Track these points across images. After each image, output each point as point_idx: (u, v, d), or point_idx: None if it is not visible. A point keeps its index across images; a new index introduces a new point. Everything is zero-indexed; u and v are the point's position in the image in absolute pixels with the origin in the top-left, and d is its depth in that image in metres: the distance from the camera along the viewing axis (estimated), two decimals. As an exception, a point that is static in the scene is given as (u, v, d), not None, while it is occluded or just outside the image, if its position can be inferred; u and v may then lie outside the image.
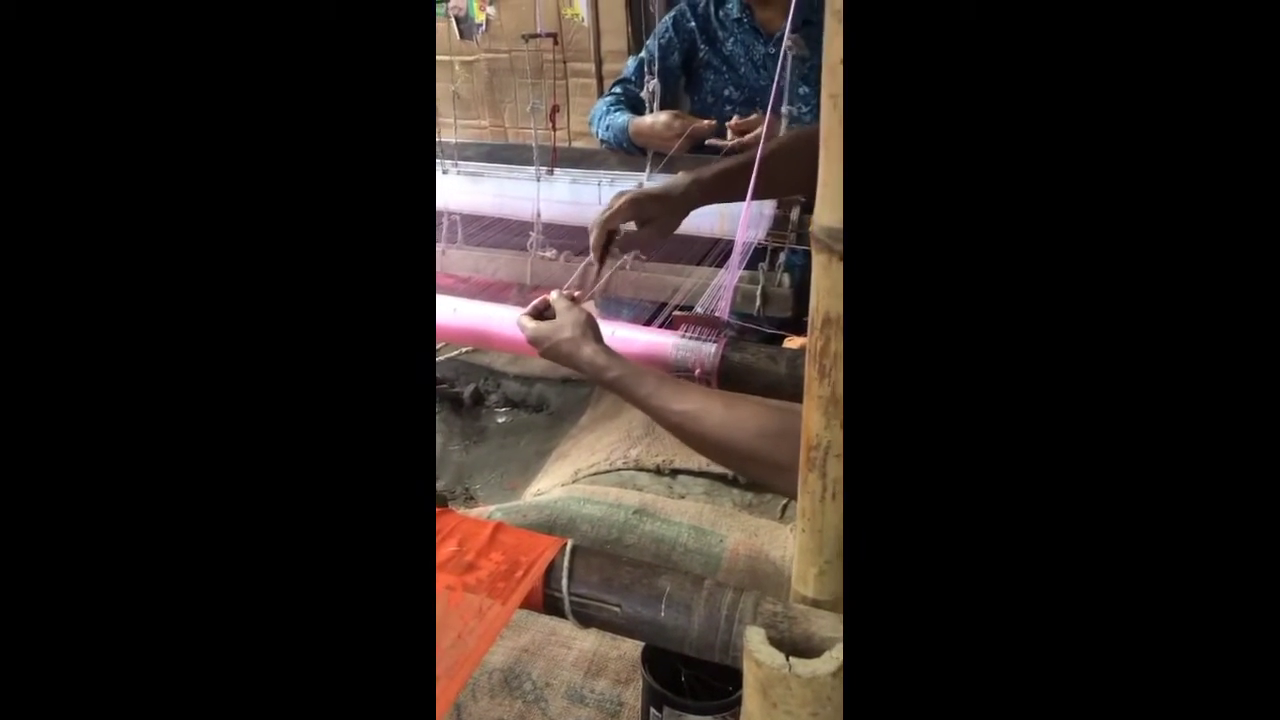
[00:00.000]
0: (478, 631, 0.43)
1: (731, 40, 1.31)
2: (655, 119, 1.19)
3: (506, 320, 0.86)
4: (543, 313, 0.73)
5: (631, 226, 0.78)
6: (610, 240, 0.77)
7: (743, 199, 0.78)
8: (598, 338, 0.69)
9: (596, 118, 1.34)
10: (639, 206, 0.75)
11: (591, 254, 0.77)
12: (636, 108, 1.29)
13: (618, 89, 1.36)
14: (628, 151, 1.29)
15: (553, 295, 0.74)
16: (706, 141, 1.18)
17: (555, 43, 1.48)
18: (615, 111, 1.32)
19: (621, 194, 0.76)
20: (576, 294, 0.76)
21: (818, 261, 0.35)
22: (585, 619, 0.48)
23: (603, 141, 1.34)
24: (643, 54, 1.33)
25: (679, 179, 0.79)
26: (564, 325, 0.69)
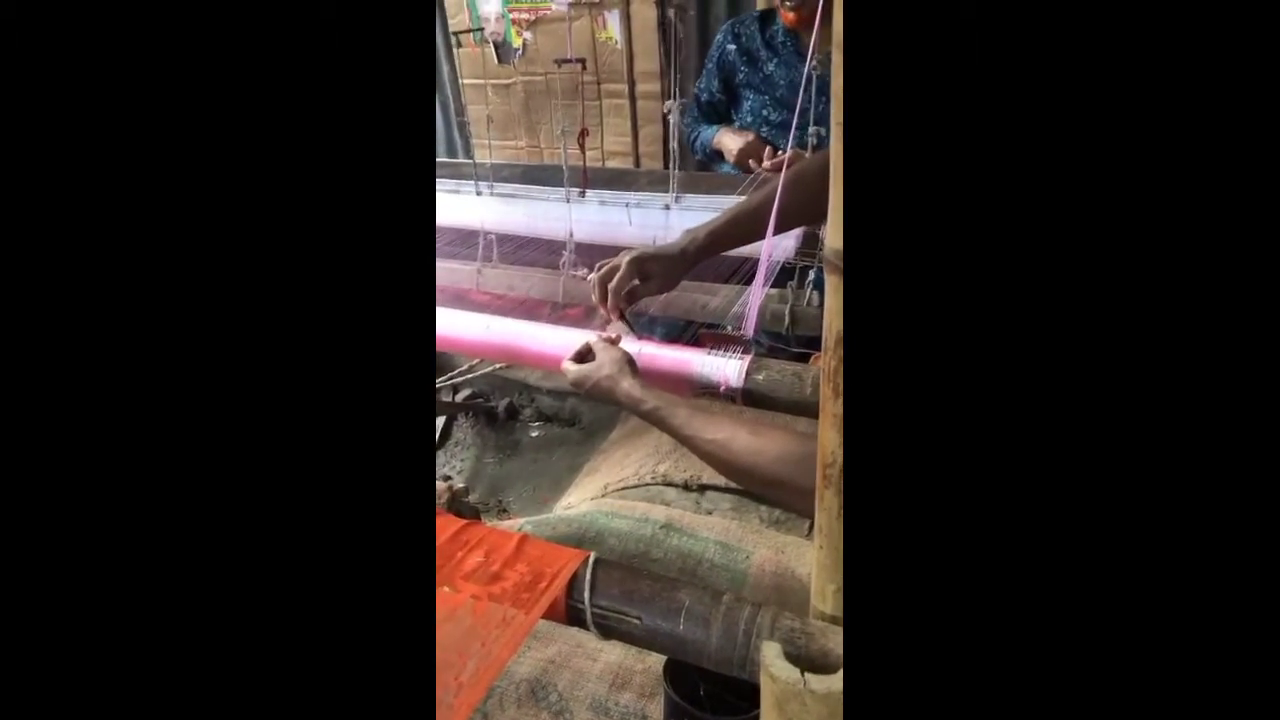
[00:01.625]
0: (501, 640, 0.44)
1: (775, 62, 1.33)
2: (737, 141, 1.29)
3: (538, 337, 0.88)
4: (584, 356, 0.79)
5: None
6: (630, 300, 0.83)
7: (744, 244, 0.82)
8: (634, 373, 0.74)
9: (690, 139, 1.44)
10: (640, 266, 0.82)
11: (611, 317, 0.82)
12: (716, 110, 1.43)
13: (693, 103, 1.44)
14: (721, 166, 1.40)
15: (592, 339, 0.78)
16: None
17: (584, 68, 1.53)
18: (699, 125, 1.43)
19: (625, 253, 0.83)
20: (613, 337, 0.80)
21: (829, 283, 0.36)
22: (606, 630, 0.49)
23: (701, 159, 1.46)
24: (708, 64, 1.43)
25: (679, 239, 0.85)
26: (602, 364, 0.74)
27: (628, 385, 0.71)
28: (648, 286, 0.83)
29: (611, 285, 0.81)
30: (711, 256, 0.87)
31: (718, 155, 1.40)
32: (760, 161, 1.26)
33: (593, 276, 0.84)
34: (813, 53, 0.67)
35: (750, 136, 1.31)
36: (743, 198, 0.91)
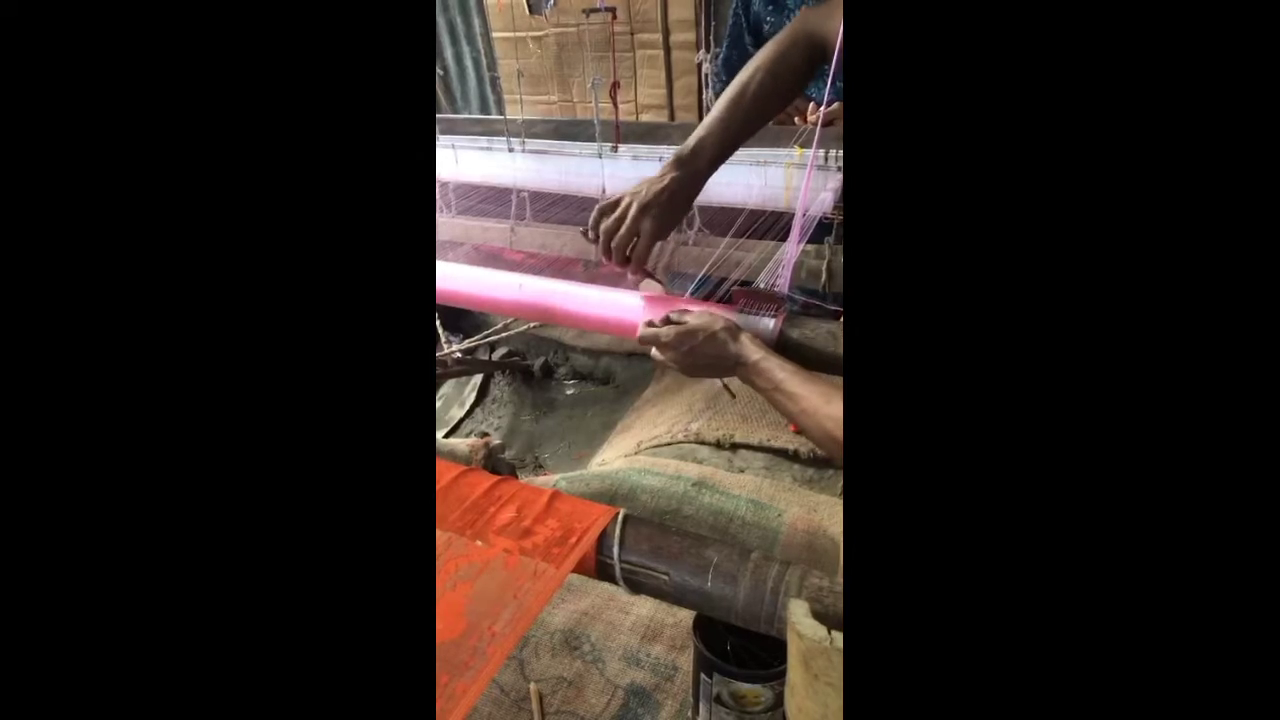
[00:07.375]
0: (533, 592, 0.45)
1: (801, 4, 1.27)
2: None
3: (570, 295, 0.88)
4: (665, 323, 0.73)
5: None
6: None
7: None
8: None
9: None
10: (648, 218, 0.74)
11: (634, 275, 0.77)
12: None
13: (722, 68, 1.39)
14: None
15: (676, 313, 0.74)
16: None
17: (614, 17, 1.47)
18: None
19: (628, 198, 0.74)
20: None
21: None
22: (635, 585, 0.50)
23: None
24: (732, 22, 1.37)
25: (675, 171, 0.76)
26: (713, 319, 0.69)
27: (747, 338, 0.68)
28: (654, 236, 0.75)
29: (636, 251, 0.74)
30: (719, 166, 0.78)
31: None
32: (804, 118, 1.21)
33: (601, 226, 0.75)
34: None
35: None
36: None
